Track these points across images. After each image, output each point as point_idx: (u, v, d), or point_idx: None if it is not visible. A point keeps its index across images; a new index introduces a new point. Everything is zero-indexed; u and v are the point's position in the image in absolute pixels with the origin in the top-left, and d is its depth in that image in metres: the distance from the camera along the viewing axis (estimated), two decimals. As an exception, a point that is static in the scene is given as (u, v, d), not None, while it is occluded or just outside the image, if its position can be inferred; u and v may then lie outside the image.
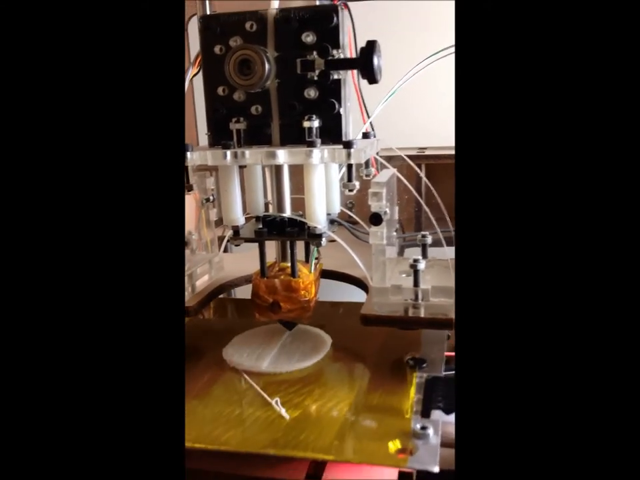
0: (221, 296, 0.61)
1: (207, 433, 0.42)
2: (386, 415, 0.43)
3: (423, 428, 0.40)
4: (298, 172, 0.54)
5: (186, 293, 0.54)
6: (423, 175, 0.59)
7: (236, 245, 0.52)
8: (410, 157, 0.56)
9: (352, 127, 0.51)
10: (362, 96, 0.55)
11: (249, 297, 0.54)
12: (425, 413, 0.42)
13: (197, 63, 0.54)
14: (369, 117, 0.57)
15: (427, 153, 0.83)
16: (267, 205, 0.55)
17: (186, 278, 0.54)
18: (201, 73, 0.53)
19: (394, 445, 0.39)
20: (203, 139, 0.55)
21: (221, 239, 0.62)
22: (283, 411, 0.44)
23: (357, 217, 0.58)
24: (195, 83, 0.56)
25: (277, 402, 0.45)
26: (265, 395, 0.47)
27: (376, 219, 0.46)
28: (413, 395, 0.45)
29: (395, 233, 0.53)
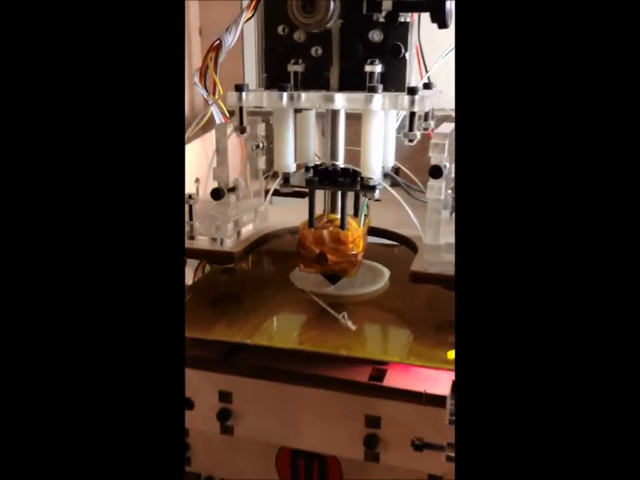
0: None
1: (286, 334, 0.49)
2: (442, 332, 0.46)
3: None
4: (349, 124, 0.52)
5: (231, 240, 0.53)
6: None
7: (284, 192, 0.51)
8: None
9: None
10: (421, 47, 0.52)
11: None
12: None
13: (253, 6, 0.52)
14: (427, 70, 0.55)
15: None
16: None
17: (232, 224, 0.53)
18: (254, 18, 0.51)
19: (451, 354, 0.42)
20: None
21: (266, 191, 0.61)
22: (350, 323, 0.47)
23: (406, 175, 0.56)
24: (244, 28, 0.54)
25: (343, 316, 0.48)
26: (332, 311, 0.50)
27: (436, 172, 0.44)
28: None
29: (450, 191, 0.51)
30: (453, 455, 0.41)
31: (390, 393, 0.41)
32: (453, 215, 0.54)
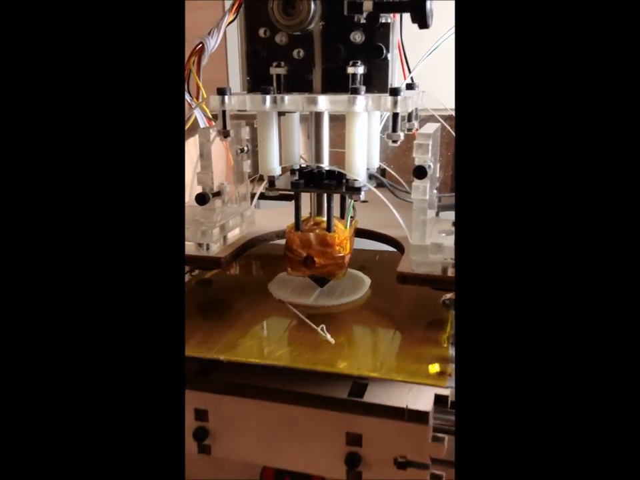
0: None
1: (260, 349, 0.46)
2: (425, 344, 0.46)
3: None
4: (334, 126, 0.52)
5: (217, 245, 0.53)
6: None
7: (270, 195, 0.51)
8: (444, 117, 0.53)
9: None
10: (403, 47, 0.52)
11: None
12: None
13: (235, 9, 0.52)
14: (409, 71, 0.54)
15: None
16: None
17: (218, 229, 0.53)
18: (236, 21, 0.51)
19: (433, 368, 0.42)
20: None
21: (252, 195, 0.60)
22: (328, 336, 0.46)
23: (392, 175, 0.56)
24: (227, 32, 0.54)
25: (322, 328, 0.47)
26: (311, 323, 0.49)
27: (420, 172, 0.44)
28: (449, 329, 0.48)
29: (435, 192, 0.51)
30: (437, 472, 0.39)
31: (370, 409, 0.40)
32: (440, 215, 0.54)
